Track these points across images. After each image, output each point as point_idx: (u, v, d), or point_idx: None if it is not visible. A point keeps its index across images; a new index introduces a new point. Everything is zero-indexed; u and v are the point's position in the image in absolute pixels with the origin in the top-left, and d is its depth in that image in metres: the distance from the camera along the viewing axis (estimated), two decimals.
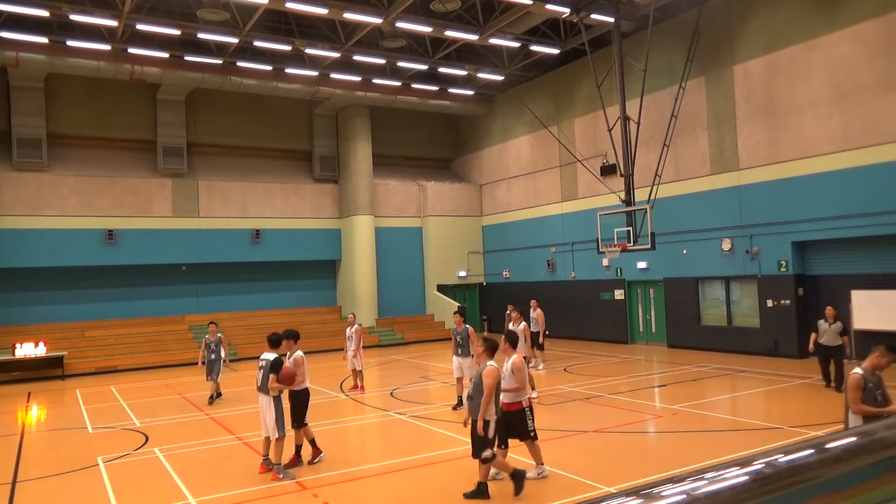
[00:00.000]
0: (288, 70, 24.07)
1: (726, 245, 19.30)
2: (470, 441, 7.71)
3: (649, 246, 18.59)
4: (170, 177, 25.18)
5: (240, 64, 23.61)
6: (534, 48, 23.22)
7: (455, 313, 13.40)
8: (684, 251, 20.63)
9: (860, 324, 16.20)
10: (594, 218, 20.57)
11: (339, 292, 28.76)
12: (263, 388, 8.88)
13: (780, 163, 18.01)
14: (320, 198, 28.16)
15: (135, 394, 16.76)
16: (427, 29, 20.59)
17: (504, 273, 28.70)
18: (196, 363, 16.59)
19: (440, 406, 13.43)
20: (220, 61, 23.07)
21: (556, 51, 23.51)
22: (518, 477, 7.64)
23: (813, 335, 13.56)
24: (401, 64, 24.36)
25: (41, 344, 20.07)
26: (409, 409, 13.17)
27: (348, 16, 19.22)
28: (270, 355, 9.00)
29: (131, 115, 25.39)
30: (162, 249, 24.55)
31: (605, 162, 22.93)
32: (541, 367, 17.75)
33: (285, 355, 9.31)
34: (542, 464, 8.31)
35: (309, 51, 22.46)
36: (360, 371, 15.66)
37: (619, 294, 23.26)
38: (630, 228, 19.15)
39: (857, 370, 6.40)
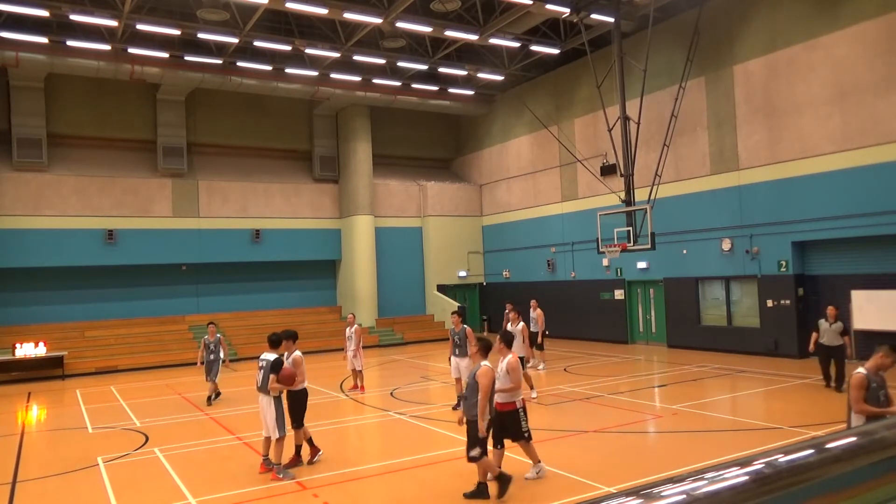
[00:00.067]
0: (288, 70, 24.07)
1: (726, 245, 19.30)
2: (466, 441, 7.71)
3: (649, 246, 18.59)
4: (170, 177, 25.18)
5: (240, 64, 23.61)
6: (534, 48, 23.21)
7: (453, 313, 13.39)
8: (684, 251, 20.63)
9: (860, 324, 16.20)
10: (594, 218, 20.57)
11: (339, 292, 28.77)
12: (263, 389, 8.88)
13: (780, 163, 18.01)
14: (320, 198, 28.16)
15: (135, 394, 16.76)
16: (427, 29, 20.59)
17: (504, 273, 28.70)
18: (196, 363, 16.58)
19: (440, 406, 13.43)
20: (220, 61, 23.07)
21: (556, 51, 23.52)
22: (503, 480, 7.59)
23: (814, 335, 13.55)
24: (401, 64, 24.36)
25: (41, 344, 20.07)
26: (409, 409, 13.16)
27: (348, 16, 19.23)
28: (270, 355, 9.00)
29: (131, 115, 25.40)
30: (162, 249, 24.56)
31: (605, 162, 22.93)
32: (541, 367, 17.75)
33: (283, 355, 9.31)
34: (539, 461, 8.30)
35: (309, 51, 22.46)
36: (360, 371, 15.66)
37: (619, 294, 23.26)
38: (630, 228, 19.15)
39: (861, 370, 6.40)
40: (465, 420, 7.62)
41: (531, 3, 18.95)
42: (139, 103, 25.38)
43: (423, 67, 24.76)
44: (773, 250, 18.20)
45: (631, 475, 8.12)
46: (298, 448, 9.45)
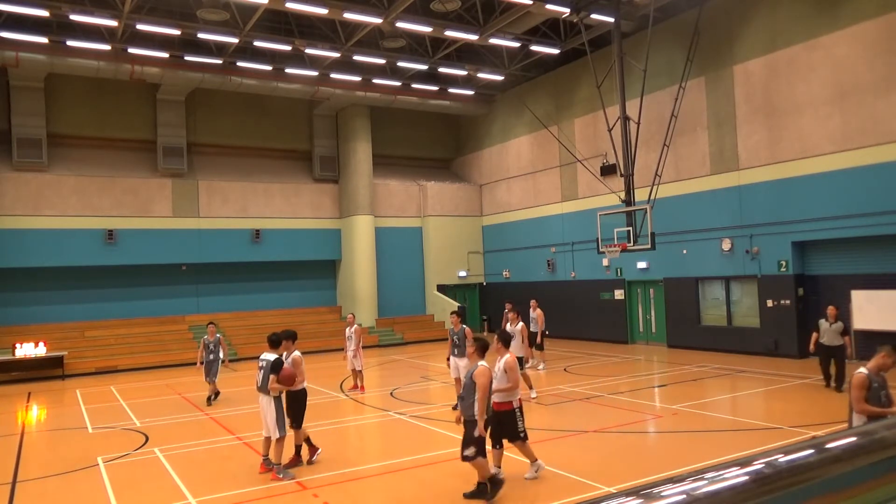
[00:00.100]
0: (288, 70, 24.07)
1: (726, 245, 19.30)
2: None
3: (649, 246, 18.59)
4: (170, 177, 25.18)
5: (240, 64, 23.61)
6: (534, 48, 23.21)
7: (452, 313, 13.39)
8: (684, 251, 20.63)
9: (860, 324, 16.20)
10: (594, 218, 20.57)
11: (339, 292, 28.77)
12: (264, 389, 8.88)
13: (780, 163, 18.02)
14: (320, 198, 28.16)
15: (135, 394, 16.76)
16: (427, 29, 20.59)
17: (504, 273, 28.70)
18: (196, 363, 16.57)
19: (440, 406, 13.43)
20: (220, 61, 23.07)
21: (556, 51, 23.52)
22: (495, 483, 7.56)
23: (814, 335, 13.55)
24: (401, 64, 24.36)
25: (41, 344, 20.07)
26: (409, 409, 13.16)
27: (348, 16, 19.23)
28: (270, 356, 9.00)
29: (131, 115, 25.40)
30: (162, 249, 24.56)
31: (605, 162, 22.93)
32: (541, 367, 17.75)
33: (283, 355, 9.31)
34: (536, 459, 8.29)
35: (309, 51, 22.46)
36: (360, 371, 15.66)
37: (619, 294, 23.26)
38: (630, 228, 19.15)
39: (863, 370, 6.39)
40: (462, 419, 7.61)
41: (531, 3, 18.95)
42: (139, 103, 25.38)
43: (423, 67, 24.76)
44: (773, 250, 18.20)
45: (631, 475, 8.11)
46: (298, 448, 9.45)
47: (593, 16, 20.07)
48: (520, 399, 8.27)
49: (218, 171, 26.49)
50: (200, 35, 20.69)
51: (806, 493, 1.38)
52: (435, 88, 27.37)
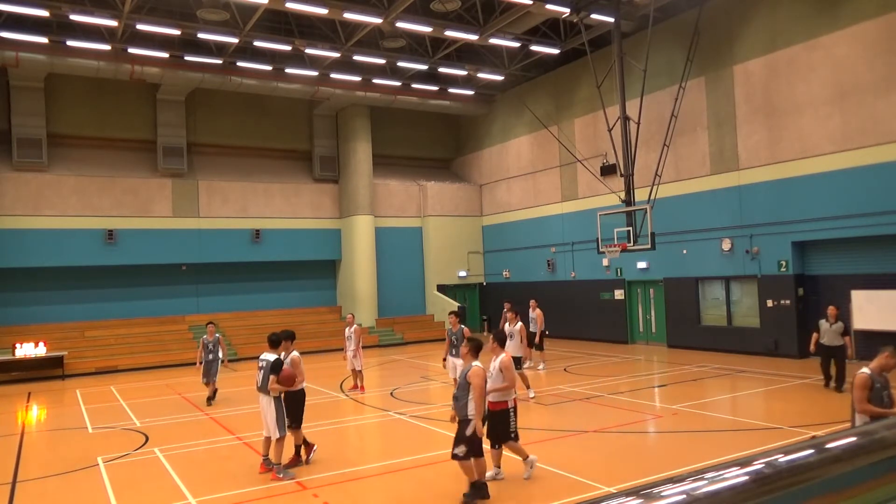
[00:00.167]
0: (288, 70, 24.07)
1: (726, 245, 19.30)
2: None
3: (649, 246, 18.59)
4: (170, 177, 25.18)
5: (240, 64, 23.61)
6: (534, 48, 23.21)
7: (450, 314, 13.39)
8: (684, 251, 20.63)
9: (860, 324, 16.20)
10: (594, 218, 20.57)
11: (339, 292, 28.77)
12: (264, 389, 8.88)
13: (780, 163, 18.02)
14: (320, 198, 28.16)
15: (135, 394, 16.76)
16: (427, 29, 20.59)
17: (504, 273, 28.70)
18: (196, 363, 16.56)
19: (440, 406, 13.42)
20: (220, 61, 23.07)
21: (556, 51, 23.52)
22: (477, 489, 7.47)
23: (814, 335, 13.55)
24: (401, 64, 24.36)
25: (41, 344, 20.07)
26: (409, 409, 13.17)
27: (348, 16, 19.23)
28: (270, 356, 9.00)
29: (131, 115, 25.40)
30: (162, 249, 24.56)
31: (605, 162, 22.93)
32: (541, 367, 17.75)
33: (281, 356, 9.30)
34: (528, 456, 8.27)
35: (309, 51, 22.46)
36: (360, 371, 15.66)
37: (619, 294, 23.26)
38: (630, 228, 19.15)
39: (865, 370, 6.39)
40: (457, 419, 7.60)
41: (531, 3, 18.95)
42: (139, 103, 25.38)
43: (423, 67, 24.76)
44: (773, 250, 18.20)
45: (631, 475, 8.11)
46: (298, 448, 9.45)
47: (593, 16, 20.07)
48: (515, 399, 8.27)
49: (218, 171, 26.49)
50: (200, 35, 20.69)
51: (806, 493, 1.38)
52: (435, 88, 27.37)
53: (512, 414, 8.11)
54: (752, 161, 18.75)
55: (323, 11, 18.87)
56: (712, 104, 19.82)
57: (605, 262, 23.11)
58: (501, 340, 8.50)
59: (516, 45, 23.05)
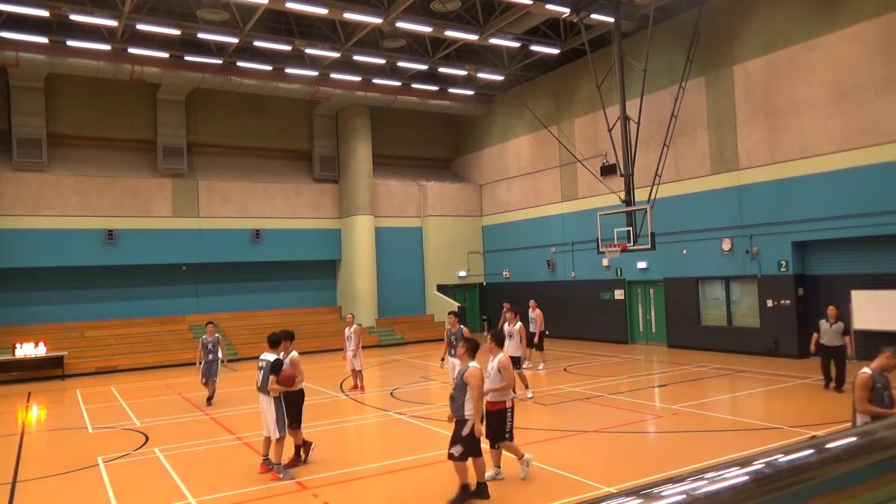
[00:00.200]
0: (288, 70, 24.07)
1: (726, 245, 19.30)
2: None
3: (649, 246, 18.59)
4: (170, 177, 25.18)
5: (240, 64, 23.61)
6: (534, 48, 23.21)
7: (449, 314, 13.39)
8: (684, 251, 20.63)
9: (860, 324, 16.20)
10: (594, 218, 20.57)
11: (339, 292, 28.77)
12: (264, 389, 8.88)
13: (780, 163, 18.01)
14: (320, 198, 28.16)
15: (135, 394, 16.76)
16: (427, 29, 20.59)
17: (504, 273, 28.70)
18: (195, 363, 16.55)
19: (440, 406, 13.41)
20: (220, 61, 23.07)
21: (556, 51, 23.51)
22: (464, 491, 7.43)
23: (814, 335, 13.54)
24: (401, 64, 24.36)
25: (41, 344, 20.07)
26: (409, 409, 13.17)
27: (348, 16, 19.23)
28: (270, 356, 9.00)
29: (131, 115, 25.40)
30: (162, 249, 24.56)
31: (605, 162, 22.93)
32: (541, 367, 17.75)
33: (281, 356, 9.30)
34: (523, 455, 8.26)
35: (309, 51, 22.46)
36: (360, 371, 15.66)
37: (619, 294, 23.26)
38: (630, 228, 19.15)
39: (866, 370, 6.38)
40: (454, 419, 7.60)
41: (531, 3, 18.95)
42: (139, 103, 25.38)
43: (423, 67, 24.75)
44: (773, 250, 18.20)
45: (631, 475, 8.11)
46: (298, 448, 9.45)
47: (593, 16, 20.07)
48: (512, 399, 8.27)
49: (218, 171, 26.49)
50: (200, 35, 20.69)
51: (806, 493, 1.38)
52: (435, 88, 27.37)
53: (509, 414, 8.11)
54: (752, 161, 18.75)
55: (323, 11, 18.87)
56: (712, 104, 19.82)
57: (605, 262, 23.11)
58: (499, 340, 8.51)
59: (516, 45, 23.05)
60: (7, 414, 14.91)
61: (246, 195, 26.33)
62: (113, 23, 19.44)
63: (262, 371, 8.96)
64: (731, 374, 16.09)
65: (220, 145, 27.12)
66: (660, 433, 10.78)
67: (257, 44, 21.91)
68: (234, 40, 21.07)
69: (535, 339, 17.74)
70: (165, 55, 22.42)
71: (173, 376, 19.70)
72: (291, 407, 9.30)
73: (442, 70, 25.43)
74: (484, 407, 7.86)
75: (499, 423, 8.06)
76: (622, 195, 19.88)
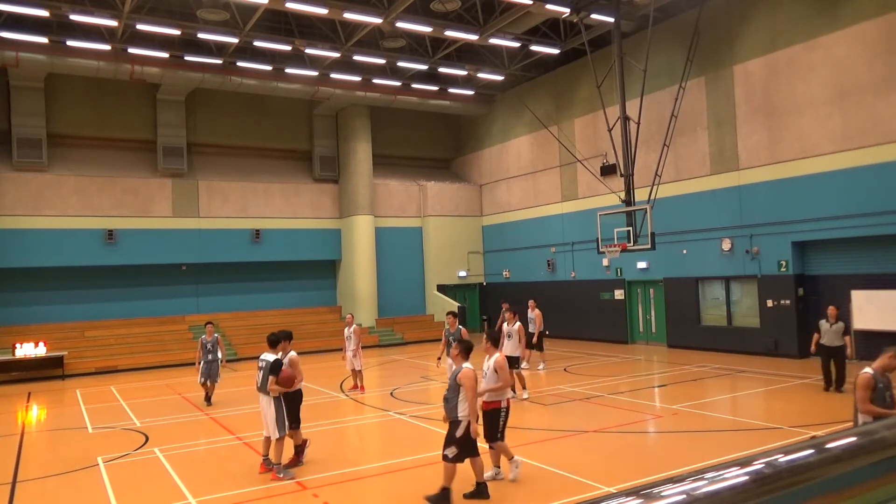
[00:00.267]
0: (288, 70, 24.07)
1: (726, 245, 19.30)
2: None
3: (649, 246, 18.59)
4: (170, 177, 25.18)
5: (240, 64, 23.61)
6: (534, 48, 23.21)
7: (448, 314, 13.40)
8: (684, 251, 20.63)
9: (860, 324, 16.20)
10: (594, 218, 20.57)
11: (339, 292, 28.77)
12: (263, 389, 8.89)
13: (780, 163, 18.01)
14: (320, 198, 28.16)
15: (135, 394, 16.76)
16: (427, 29, 20.59)
17: (504, 273, 28.70)
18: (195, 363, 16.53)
19: (440, 406, 13.36)
20: (220, 61, 23.07)
21: (556, 51, 23.51)
22: (444, 493, 7.36)
23: (815, 336, 13.53)
24: (401, 64, 24.36)
25: (41, 344, 20.07)
26: (409, 409, 13.17)
27: (348, 16, 19.22)
28: (270, 356, 9.01)
29: (131, 115, 25.40)
30: (162, 249, 24.56)
31: (605, 162, 22.93)
32: (541, 367, 17.75)
33: (279, 355, 9.30)
34: (514, 457, 8.24)
35: (309, 51, 22.46)
36: (360, 371, 15.66)
37: (619, 294, 23.26)
38: (630, 228, 19.15)
39: (868, 370, 6.38)
40: (449, 420, 7.59)
41: (531, 3, 18.95)
42: (139, 103, 25.38)
43: (423, 67, 24.75)
44: (773, 250, 18.20)
45: (631, 475, 8.11)
46: (298, 448, 9.45)
47: (593, 16, 20.07)
48: (508, 399, 8.27)
49: (218, 171, 26.49)
50: (200, 35, 20.69)
51: (806, 493, 1.38)
52: (435, 88, 27.37)
53: (503, 414, 8.10)
54: (752, 161, 18.75)
55: (323, 11, 18.87)
56: (712, 104, 19.82)
57: (605, 262, 23.11)
58: (495, 340, 8.52)
59: (516, 45, 23.05)
60: (7, 414, 14.91)
61: (246, 195, 26.33)
62: (113, 23, 19.45)
63: (262, 371, 8.97)
64: (731, 374, 16.09)
65: (220, 145, 27.12)
66: (660, 433, 10.78)
67: (257, 44, 21.91)
68: (234, 40, 21.07)
69: (535, 340, 17.73)
70: (165, 55, 22.42)
71: (173, 376, 19.70)
72: (290, 407, 9.30)
73: (442, 70, 25.43)
74: (479, 406, 7.85)
75: (492, 423, 8.07)
76: (622, 195, 19.88)
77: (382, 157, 29.62)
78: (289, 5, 18.25)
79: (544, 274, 26.37)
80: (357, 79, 25.71)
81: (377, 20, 19.44)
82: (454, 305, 26.94)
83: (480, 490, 7.59)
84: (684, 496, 1.26)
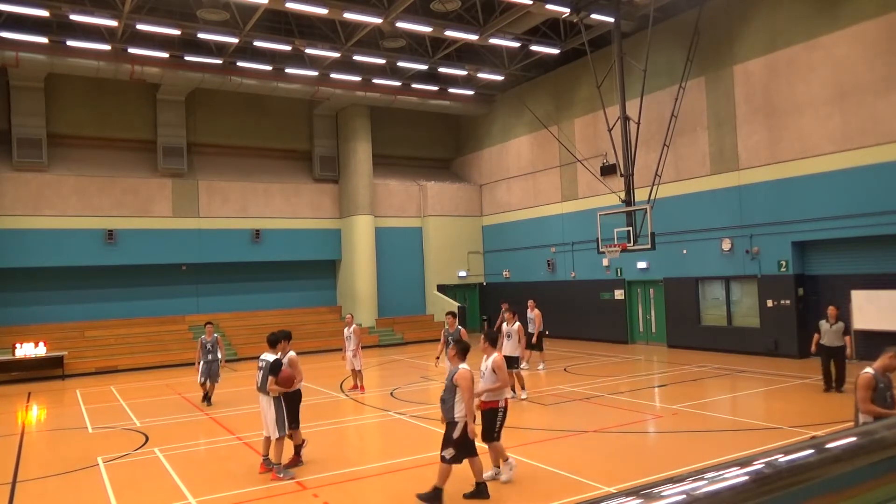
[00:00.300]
0: (288, 70, 24.07)
1: (726, 245, 19.30)
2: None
3: (649, 246, 18.59)
4: (170, 177, 25.18)
5: (240, 64, 23.61)
6: (534, 48, 23.21)
7: (447, 314, 13.40)
8: (684, 251, 20.63)
9: (860, 324, 16.20)
10: (594, 218, 20.57)
11: (339, 292, 28.77)
12: (263, 389, 8.89)
13: (780, 163, 18.02)
14: (320, 198, 28.16)
15: (135, 394, 16.76)
16: (427, 29, 20.59)
17: (504, 273, 28.70)
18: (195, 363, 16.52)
19: (439, 406, 13.41)
20: (220, 61, 23.07)
21: (556, 51, 23.51)
22: (436, 492, 7.37)
23: (815, 336, 13.52)
24: (401, 64, 24.36)
25: (41, 344, 20.07)
26: (409, 409, 13.16)
27: (348, 16, 19.22)
28: (270, 356, 9.01)
29: (131, 115, 25.40)
30: (162, 249, 24.56)
31: (605, 162, 22.93)
32: (541, 367, 17.75)
33: (278, 355, 9.30)
34: (508, 458, 8.23)
35: (309, 51, 22.46)
36: (360, 371, 15.66)
37: (619, 294, 23.26)
38: (630, 228, 19.15)
39: (869, 370, 6.38)
40: (446, 421, 7.58)
41: (531, 3, 18.95)
42: (139, 103, 25.38)
43: (423, 67, 24.75)
44: (773, 250, 18.20)
45: (631, 475, 8.12)
46: (298, 448, 9.45)
47: (593, 16, 20.07)
48: (506, 400, 8.27)
49: (218, 171, 26.49)
50: (200, 35, 20.69)
51: (806, 493, 1.38)
52: (435, 88, 27.37)
53: (500, 414, 8.10)
54: (752, 161, 18.75)
55: (323, 11, 18.87)
56: (712, 104, 19.82)
57: (605, 262, 23.11)
58: (493, 340, 8.52)
59: (516, 45, 23.05)
60: (7, 414, 14.91)
61: (246, 195, 26.33)
62: (113, 23, 19.45)
63: (262, 371, 8.97)
64: (731, 374, 16.09)
65: (220, 145, 27.13)
66: (660, 433, 10.78)
67: (257, 44, 21.91)
68: (234, 40, 21.07)
69: (534, 340, 17.73)
70: (165, 55, 22.42)
71: (173, 376, 19.70)
72: (289, 407, 9.30)
73: (442, 70, 25.43)
74: (477, 406, 7.85)
75: (489, 423, 8.07)
76: (622, 195, 19.88)
77: (382, 157, 29.62)
78: (289, 5, 18.25)
79: (544, 274, 26.37)
80: (357, 79, 25.71)
81: (377, 20, 19.44)
82: (454, 305, 26.93)
83: (480, 490, 7.59)
84: (684, 496, 1.26)
